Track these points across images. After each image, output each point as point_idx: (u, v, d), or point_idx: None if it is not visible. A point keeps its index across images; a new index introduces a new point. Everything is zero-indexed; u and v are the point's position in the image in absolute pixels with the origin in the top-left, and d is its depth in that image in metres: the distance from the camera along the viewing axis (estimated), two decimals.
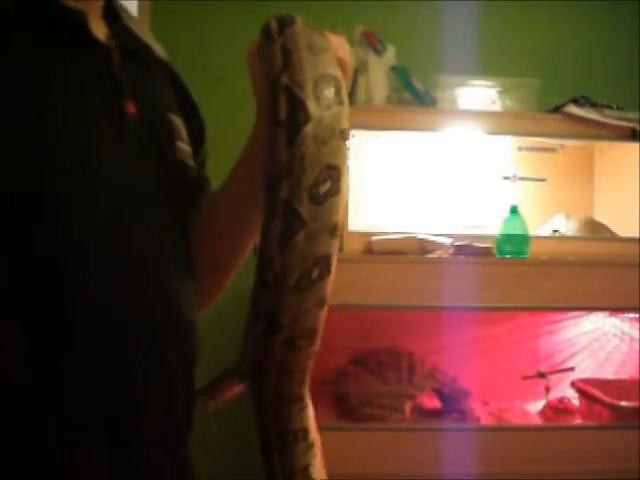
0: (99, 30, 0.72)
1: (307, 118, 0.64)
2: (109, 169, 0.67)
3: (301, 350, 0.70)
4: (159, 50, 0.81)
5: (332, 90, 0.66)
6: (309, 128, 0.64)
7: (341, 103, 0.66)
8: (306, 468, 0.76)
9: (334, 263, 0.68)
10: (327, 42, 0.69)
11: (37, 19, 0.66)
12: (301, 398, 0.75)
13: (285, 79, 0.65)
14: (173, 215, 0.75)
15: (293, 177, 0.64)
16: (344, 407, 1.97)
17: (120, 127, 0.69)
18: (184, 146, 0.78)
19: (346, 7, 2.25)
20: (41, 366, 0.64)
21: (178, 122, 0.78)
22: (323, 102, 0.65)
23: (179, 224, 0.77)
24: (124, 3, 0.78)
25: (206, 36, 2.28)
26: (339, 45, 0.70)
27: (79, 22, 0.68)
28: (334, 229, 0.66)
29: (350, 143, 0.68)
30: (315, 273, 0.66)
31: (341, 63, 0.69)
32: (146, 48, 0.79)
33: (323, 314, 0.69)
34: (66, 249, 0.64)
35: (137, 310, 0.69)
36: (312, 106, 0.64)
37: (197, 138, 0.85)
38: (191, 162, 0.79)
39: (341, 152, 0.66)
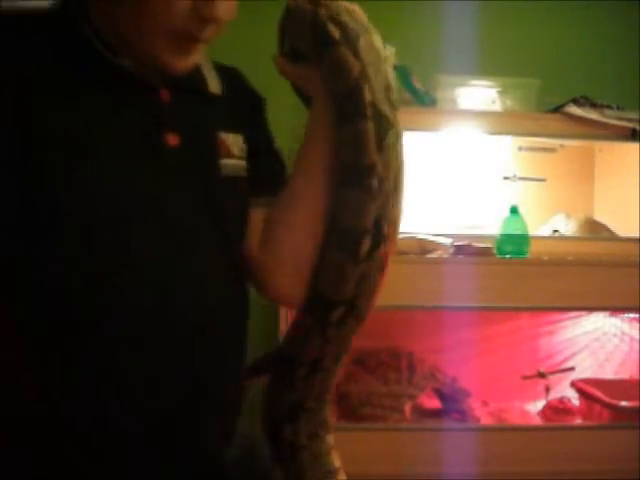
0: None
1: (357, 34, 0.72)
2: (148, 197, 0.72)
3: (385, 268, 0.75)
4: (213, 80, 0.84)
5: (358, 17, 0.74)
6: (362, 42, 0.72)
7: (370, 30, 0.74)
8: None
9: None
10: None
11: (87, 67, 0.71)
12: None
13: (323, 11, 0.73)
14: (221, 231, 0.80)
15: (370, 81, 0.70)
16: (344, 407, 1.97)
17: (160, 158, 0.74)
18: (233, 161, 0.82)
19: None
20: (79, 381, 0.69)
21: (230, 140, 0.82)
22: (358, 22, 0.73)
23: (229, 239, 0.81)
24: None
25: None
26: None
27: (129, 73, 0.74)
28: (401, 137, 0.72)
29: None
30: (402, 177, 0.72)
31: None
32: (200, 78, 0.83)
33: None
34: (115, 273, 0.70)
35: (193, 325, 0.74)
36: (353, 24, 0.72)
37: (266, 141, 0.91)
38: (242, 174, 0.84)
39: (387, 72, 0.73)
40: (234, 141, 0.82)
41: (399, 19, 2.33)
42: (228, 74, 0.88)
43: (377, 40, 0.74)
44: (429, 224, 2.12)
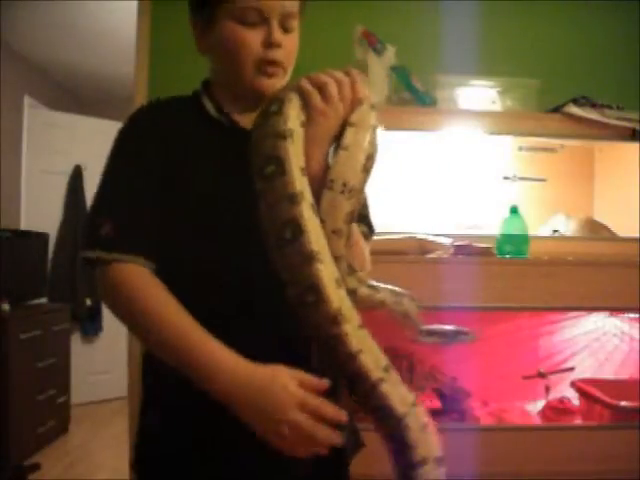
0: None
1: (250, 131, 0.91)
2: (240, 206, 0.96)
3: (311, 307, 0.83)
4: None
5: (272, 107, 0.89)
6: (253, 135, 0.89)
7: (279, 114, 0.87)
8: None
9: (306, 226, 0.83)
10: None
11: (206, 124, 1.04)
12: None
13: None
14: None
15: (252, 167, 0.88)
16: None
17: (251, 181, 0.97)
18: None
19: (346, 7, 2.26)
20: None
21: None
22: (261, 116, 0.90)
23: None
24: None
25: None
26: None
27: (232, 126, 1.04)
28: (293, 198, 0.83)
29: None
30: (287, 233, 0.81)
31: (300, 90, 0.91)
32: None
33: (315, 270, 0.82)
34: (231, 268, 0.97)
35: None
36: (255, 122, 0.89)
37: None
38: None
39: (279, 147, 0.85)
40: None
41: (399, 19, 2.33)
42: None
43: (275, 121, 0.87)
44: (429, 224, 2.12)
